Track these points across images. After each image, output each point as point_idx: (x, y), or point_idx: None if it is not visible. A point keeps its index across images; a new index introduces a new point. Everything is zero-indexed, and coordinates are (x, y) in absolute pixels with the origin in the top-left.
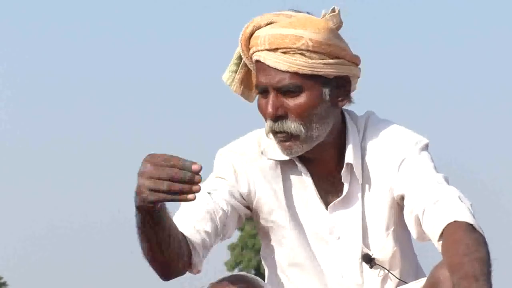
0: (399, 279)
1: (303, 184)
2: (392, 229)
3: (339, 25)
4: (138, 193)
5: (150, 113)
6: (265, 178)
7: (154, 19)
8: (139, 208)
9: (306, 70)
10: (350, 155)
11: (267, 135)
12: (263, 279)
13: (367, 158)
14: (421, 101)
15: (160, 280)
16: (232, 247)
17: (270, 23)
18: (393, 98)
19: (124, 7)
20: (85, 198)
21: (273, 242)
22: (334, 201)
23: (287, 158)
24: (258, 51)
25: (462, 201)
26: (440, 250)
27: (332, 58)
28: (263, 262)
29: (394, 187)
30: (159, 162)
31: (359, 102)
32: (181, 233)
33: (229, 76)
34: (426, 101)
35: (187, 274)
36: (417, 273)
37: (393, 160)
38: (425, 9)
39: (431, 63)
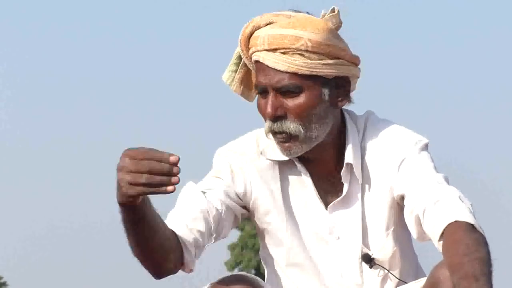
0: (399, 279)
1: (303, 184)
2: (392, 229)
3: (339, 25)
4: (118, 188)
5: (150, 113)
6: (263, 178)
7: (154, 19)
8: (121, 204)
9: (305, 71)
10: (349, 155)
11: (266, 135)
12: (263, 279)
13: (367, 158)
14: (421, 101)
15: (162, 280)
16: (232, 247)
17: (270, 23)
18: (393, 98)
19: (124, 7)
20: (85, 198)
21: (270, 243)
22: (334, 201)
23: (286, 158)
24: (258, 51)
25: (462, 201)
26: (441, 250)
27: (332, 59)
28: (262, 262)
29: (394, 187)
30: (137, 155)
31: (359, 102)
32: (172, 231)
33: (229, 76)
34: (426, 101)
35: (188, 274)
36: (417, 273)
37: (393, 160)
38: (425, 9)
39: (431, 63)
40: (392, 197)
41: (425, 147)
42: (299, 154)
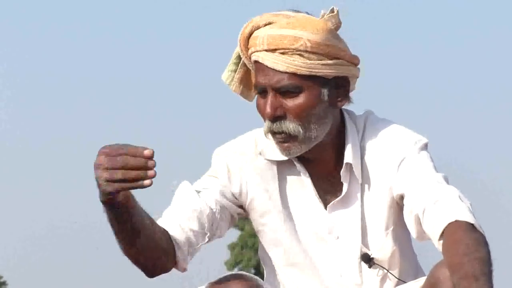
0: (398, 279)
1: (302, 184)
2: (391, 228)
3: (338, 26)
4: (98, 186)
5: (150, 113)
6: (260, 179)
7: (154, 19)
8: (104, 203)
9: (305, 71)
10: (349, 155)
11: (265, 135)
12: (263, 278)
13: (366, 158)
14: (421, 101)
15: (162, 280)
16: (232, 247)
17: (269, 23)
18: (393, 98)
19: (124, 7)
20: (85, 198)
21: (268, 243)
22: (333, 201)
23: (285, 158)
24: (257, 51)
25: (462, 201)
26: (440, 250)
27: (331, 59)
28: (261, 262)
29: (393, 186)
30: (112, 152)
31: (358, 102)
32: (164, 230)
33: (228, 75)
34: (426, 101)
35: (188, 274)
36: (416, 273)
37: (393, 160)
38: (425, 9)
39: (431, 63)
40: (392, 196)
41: (425, 147)
42: (298, 154)
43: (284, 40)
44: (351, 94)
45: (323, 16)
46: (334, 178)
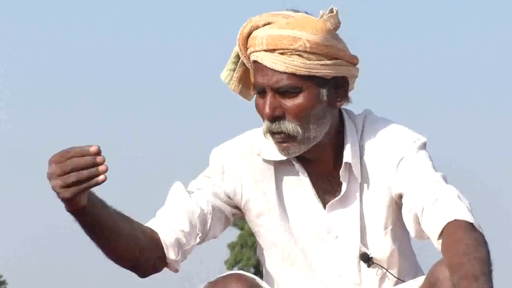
0: (397, 278)
1: (300, 184)
2: (390, 228)
3: (337, 26)
4: (57, 197)
5: (150, 113)
6: (257, 179)
7: (154, 19)
8: (70, 212)
9: (304, 71)
10: (348, 155)
11: (264, 136)
12: (262, 277)
13: (365, 157)
14: (421, 101)
15: (162, 280)
16: (231, 246)
17: (268, 23)
18: (393, 98)
19: (124, 7)
20: None
21: (266, 243)
22: (332, 201)
23: (284, 158)
24: (256, 51)
25: (461, 200)
26: (440, 249)
27: (330, 59)
28: (261, 261)
29: (392, 185)
30: (60, 159)
31: (358, 102)
32: (151, 230)
33: (227, 74)
34: (426, 101)
35: (187, 273)
36: (416, 272)
37: (392, 159)
38: (425, 9)
39: (431, 63)
40: (391, 196)
41: (424, 146)
42: (297, 154)
43: (283, 40)
44: (350, 94)
45: (322, 16)
46: (333, 177)
